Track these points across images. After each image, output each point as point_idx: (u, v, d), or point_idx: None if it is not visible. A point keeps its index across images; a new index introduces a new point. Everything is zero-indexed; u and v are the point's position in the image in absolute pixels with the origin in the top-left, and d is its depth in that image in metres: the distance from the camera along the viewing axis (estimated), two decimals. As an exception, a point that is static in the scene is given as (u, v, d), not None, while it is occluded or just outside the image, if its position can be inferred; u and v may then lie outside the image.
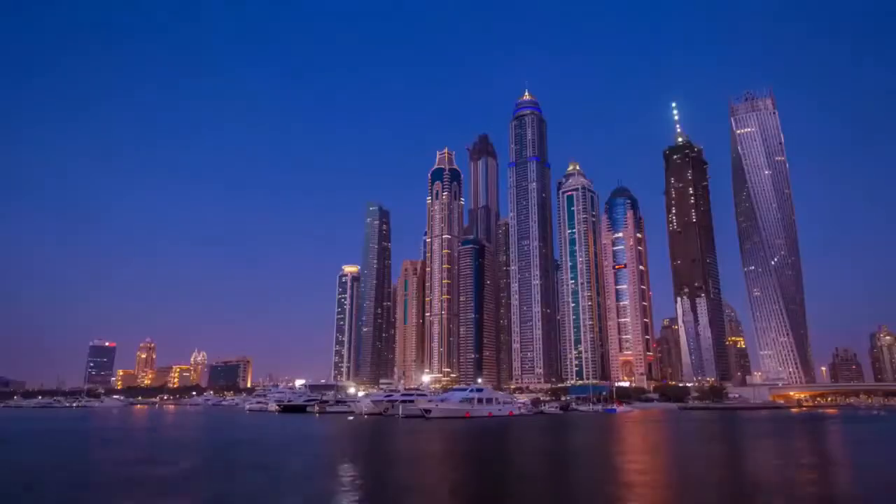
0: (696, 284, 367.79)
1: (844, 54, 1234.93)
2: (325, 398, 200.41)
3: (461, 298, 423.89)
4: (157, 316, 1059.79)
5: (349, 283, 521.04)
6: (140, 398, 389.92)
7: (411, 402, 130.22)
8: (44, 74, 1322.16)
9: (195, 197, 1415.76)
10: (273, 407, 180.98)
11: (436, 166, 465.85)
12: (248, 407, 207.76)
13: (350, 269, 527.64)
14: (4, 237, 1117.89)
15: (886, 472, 39.10)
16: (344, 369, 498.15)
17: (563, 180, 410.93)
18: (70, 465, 40.03)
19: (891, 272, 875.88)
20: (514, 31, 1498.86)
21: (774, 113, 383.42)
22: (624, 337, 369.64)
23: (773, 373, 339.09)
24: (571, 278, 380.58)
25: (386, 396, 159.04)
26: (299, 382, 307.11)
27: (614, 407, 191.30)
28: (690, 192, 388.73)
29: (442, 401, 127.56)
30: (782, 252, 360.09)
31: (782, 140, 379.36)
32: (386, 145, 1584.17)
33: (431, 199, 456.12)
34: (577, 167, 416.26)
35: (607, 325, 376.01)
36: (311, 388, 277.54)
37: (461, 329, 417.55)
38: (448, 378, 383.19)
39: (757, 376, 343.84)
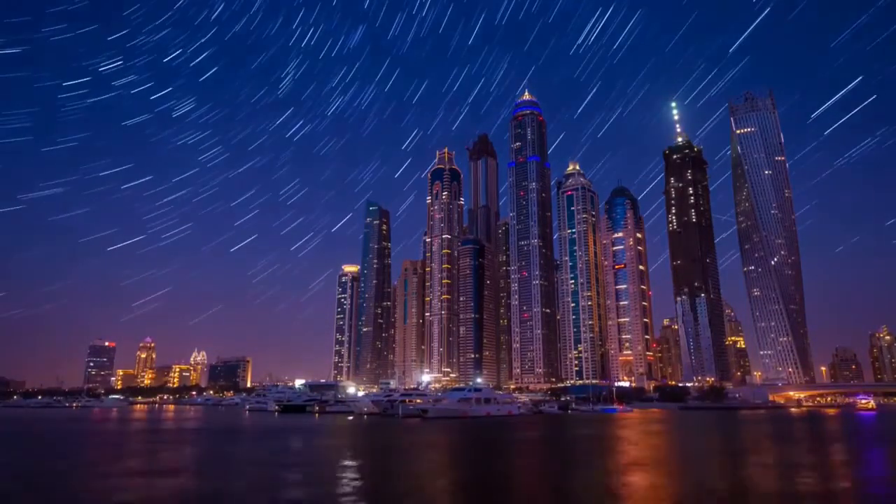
0: (695, 284, 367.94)
1: (845, 51, 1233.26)
2: (324, 398, 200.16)
3: (461, 298, 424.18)
4: (157, 316, 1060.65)
5: (349, 283, 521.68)
6: (140, 398, 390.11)
7: (411, 402, 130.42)
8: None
9: (194, 196, 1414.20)
10: (273, 407, 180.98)
11: (436, 166, 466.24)
12: (247, 407, 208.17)
13: (350, 269, 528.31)
14: (4, 236, 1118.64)
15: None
16: (344, 369, 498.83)
17: (563, 180, 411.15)
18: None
19: (891, 272, 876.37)
20: (514, 31, 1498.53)
21: (774, 113, 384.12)
22: (624, 337, 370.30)
23: (773, 373, 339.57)
24: (571, 278, 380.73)
25: (385, 396, 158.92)
26: (299, 382, 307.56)
27: (614, 407, 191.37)
28: (690, 192, 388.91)
29: (439, 401, 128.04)
30: (782, 252, 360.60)
31: (782, 140, 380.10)
32: (386, 145, 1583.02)
33: (431, 199, 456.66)
34: (577, 167, 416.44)
35: (607, 325, 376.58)
36: (311, 387, 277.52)
37: (461, 329, 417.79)
38: (448, 378, 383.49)
39: (757, 376, 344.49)
